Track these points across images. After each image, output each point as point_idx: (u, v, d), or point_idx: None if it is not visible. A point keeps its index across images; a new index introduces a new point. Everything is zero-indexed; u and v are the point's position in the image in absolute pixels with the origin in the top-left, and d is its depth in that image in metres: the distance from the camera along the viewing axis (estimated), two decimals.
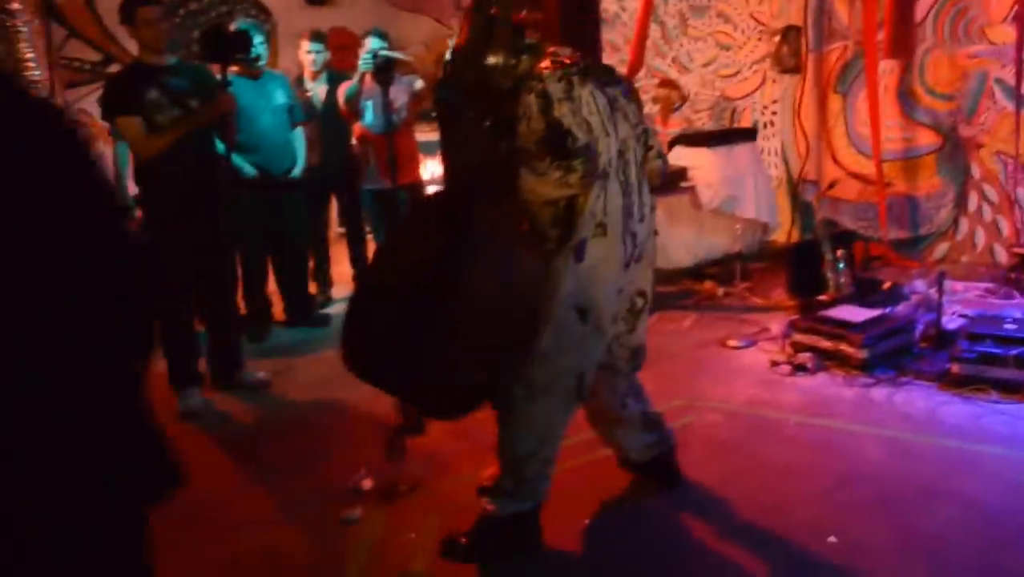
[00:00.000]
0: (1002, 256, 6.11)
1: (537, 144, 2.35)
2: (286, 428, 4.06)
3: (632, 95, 2.66)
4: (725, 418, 3.78)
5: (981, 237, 6.19)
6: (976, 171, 6.17)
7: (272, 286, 5.57)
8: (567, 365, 2.52)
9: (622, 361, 2.72)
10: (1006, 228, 6.11)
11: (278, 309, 5.66)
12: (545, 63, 2.47)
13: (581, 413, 2.86)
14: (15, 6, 7.07)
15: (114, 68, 7.10)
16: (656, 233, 2.70)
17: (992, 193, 6.09)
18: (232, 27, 4.89)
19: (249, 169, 5.08)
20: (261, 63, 5.10)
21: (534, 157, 2.36)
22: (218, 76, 4.32)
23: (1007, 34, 5.87)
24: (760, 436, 3.58)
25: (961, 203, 6.28)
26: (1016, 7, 5.57)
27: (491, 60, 2.51)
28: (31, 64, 7.17)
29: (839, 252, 5.09)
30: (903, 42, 5.54)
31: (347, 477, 3.31)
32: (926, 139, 6.42)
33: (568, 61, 2.49)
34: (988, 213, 6.15)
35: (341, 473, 3.37)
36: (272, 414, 4.25)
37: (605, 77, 2.59)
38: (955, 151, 6.25)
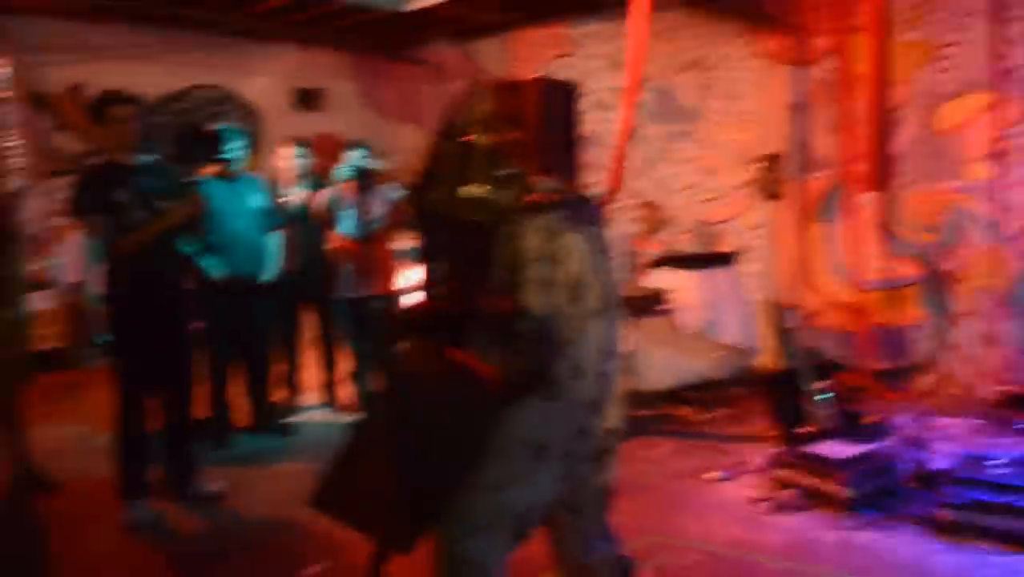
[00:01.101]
0: (986, 392, 6.00)
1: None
2: (235, 548, 3.79)
3: (605, 225, 2.52)
4: (703, 559, 3.54)
5: (965, 371, 6.09)
6: (958, 305, 6.13)
7: (236, 391, 5.35)
8: (512, 502, 2.33)
9: (589, 505, 2.51)
10: (989, 364, 6.02)
11: (241, 415, 5.42)
12: (528, 198, 2.24)
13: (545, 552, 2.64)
14: (4, 95, 7.10)
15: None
16: (625, 368, 2.52)
17: (974, 327, 6.03)
18: (207, 128, 4.83)
19: (218, 272, 4.94)
20: (237, 166, 5.01)
21: (484, 323, 2.21)
22: (192, 177, 4.26)
23: (982, 171, 5.93)
24: None
25: (944, 336, 6.21)
26: (993, 146, 5.63)
27: (466, 193, 2.29)
28: (15, 152, 7.16)
29: (822, 383, 4.96)
30: (881, 175, 5.56)
31: None
32: (907, 271, 6.40)
33: (554, 199, 2.26)
34: (971, 347, 6.07)
35: None
36: (223, 531, 3.99)
37: (588, 214, 2.39)
38: (936, 284, 6.23)
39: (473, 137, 2.33)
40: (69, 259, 7.40)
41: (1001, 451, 4.58)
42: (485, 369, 2.24)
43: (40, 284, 7.12)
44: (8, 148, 7.06)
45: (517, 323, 2.16)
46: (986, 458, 4.21)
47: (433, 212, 2.40)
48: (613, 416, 2.46)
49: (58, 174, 7.40)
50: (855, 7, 6.18)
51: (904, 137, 6.24)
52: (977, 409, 5.67)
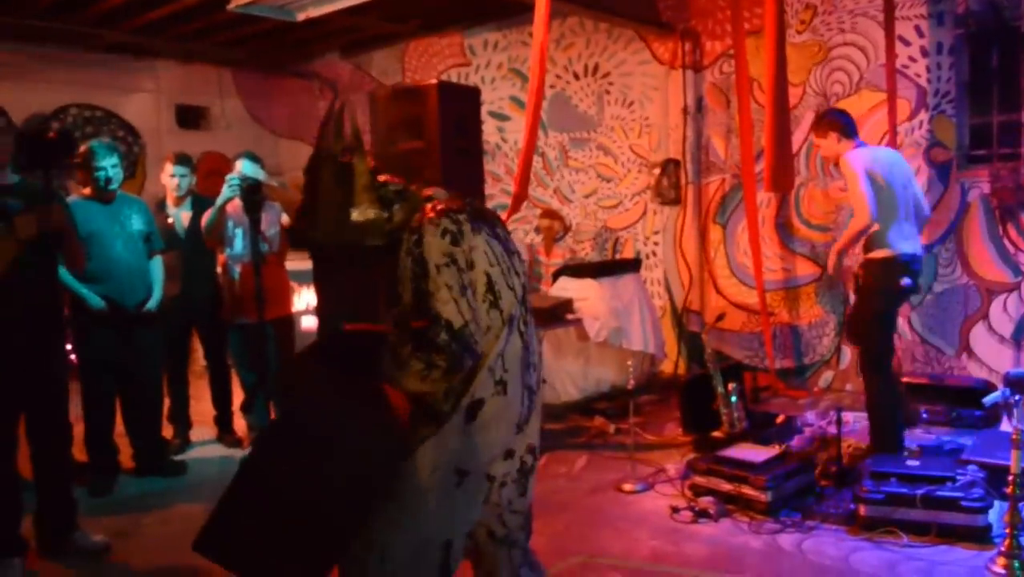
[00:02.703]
0: None
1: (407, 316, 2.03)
2: None
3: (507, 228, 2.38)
4: None
5: None
6: (854, 300, 6.21)
7: (120, 429, 4.96)
8: (433, 534, 2.14)
9: (516, 530, 2.34)
10: None
11: (126, 456, 5.03)
12: (426, 211, 2.09)
13: None
14: None
15: None
16: (543, 381, 2.38)
17: None
18: (53, 131, 4.42)
19: (96, 300, 4.57)
20: (114, 186, 4.66)
21: (396, 342, 2.03)
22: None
23: None
24: None
25: (842, 331, 6.30)
26: (886, 143, 5.74)
27: (357, 217, 2.13)
28: None
29: (731, 386, 4.93)
30: (782, 175, 5.59)
31: None
32: (805, 269, 6.49)
33: (452, 206, 2.12)
34: None
35: None
36: None
37: (489, 217, 2.25)
38: (833, 281, 6.32)
39: (350, 157, 2.14)
40: None
41: (910, 442, 4.65)
42: (397, 397, 2.05)
43: None
44: None
45: (433, 335, 1.98)
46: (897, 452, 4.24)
47: (323, 244, 2.20)
48: (535, 433, 2.31)
49: None
50: (748, 10, 6.24)
51: (799, 137, 6.32)
52: None
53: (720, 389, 4.95)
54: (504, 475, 2.20)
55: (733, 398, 4.96)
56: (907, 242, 4.41)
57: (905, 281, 4.39)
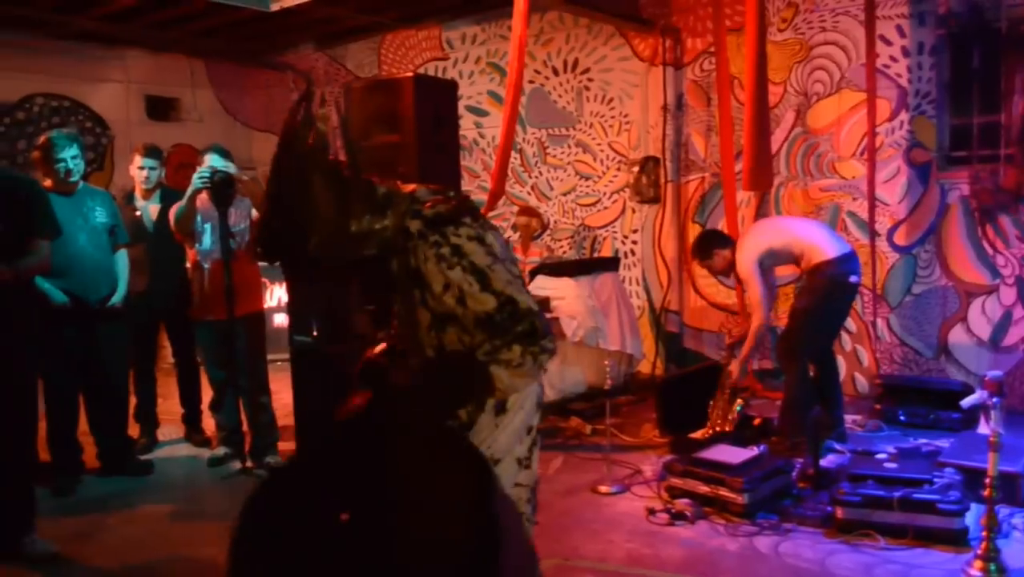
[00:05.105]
0: (864, 386, 6.09)
1: (484, 326, 1.98)
2: None
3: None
4: None
5: (842, 367, 6.14)
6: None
7: (84, 428, 4.83)
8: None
9: (522, 502, 2.24)
10: (866, 358, 6.11)
11: (90, 455, 4.90)
12: (428, 209, 2.02)
13: None
14: None
15: None
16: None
17: (851, 324, 6.10)
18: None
19: (59, 296, 4.45)
20: (75, 178, 4.52)
21: (499, 347, 1.98)
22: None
23: (856, 169, 6.02)
24: None
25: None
26: (866, 143, 5.70)
27: (355, 228, 2.01)
28: None
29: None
30: (761, 174, 5.55)
31: None
32: (784, 270, 6.42)
33: (453, 203, 2.06)
34: (848, 343, 6.15)
35: None
36: None
37: (478, 212, 2.16)
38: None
39: (350, 172, 2.03)
40: None
41: (887, 444, 4.62)
42: None
43: None
44: None
45: (537, 322, 2.01)
46: (873, 453, 4.21)
47: (318, 258, 2.07)
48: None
49: None
50: (730, 8, 6.18)
51: (779, 136, 6.28)
52: (855, 403, 5.73)
53: (697, 390, 4.92)
54: (529, 454, 2.19)
55: (711, 399, 4.96)
56: (840, 244, 4.83)
57: (852, 278, 4.75)
